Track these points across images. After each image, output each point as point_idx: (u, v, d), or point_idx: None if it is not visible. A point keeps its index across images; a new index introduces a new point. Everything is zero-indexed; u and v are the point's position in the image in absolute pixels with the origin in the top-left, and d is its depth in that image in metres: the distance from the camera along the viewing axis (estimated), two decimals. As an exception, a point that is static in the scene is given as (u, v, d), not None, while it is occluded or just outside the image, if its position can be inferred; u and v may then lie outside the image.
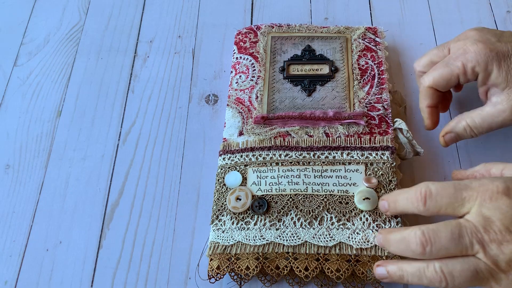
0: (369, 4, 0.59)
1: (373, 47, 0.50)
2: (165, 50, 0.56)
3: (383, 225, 0.39)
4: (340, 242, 0.38)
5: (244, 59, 0.50)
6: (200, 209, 0.45)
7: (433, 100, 0.43)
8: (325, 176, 0.41)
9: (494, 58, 0.39)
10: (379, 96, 0.46)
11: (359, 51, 0.50)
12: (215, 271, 0.38)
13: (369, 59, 0.49)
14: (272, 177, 0.42)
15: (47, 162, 0.49)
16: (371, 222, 0.39)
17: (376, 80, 0.47)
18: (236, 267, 0.38)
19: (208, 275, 0.39)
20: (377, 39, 0.51)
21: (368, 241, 0.38)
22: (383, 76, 0.48)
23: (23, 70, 0.56)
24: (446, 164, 0.46)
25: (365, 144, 0.43)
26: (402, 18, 0.57)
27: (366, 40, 0.51)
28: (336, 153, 0.43)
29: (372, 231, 0.38)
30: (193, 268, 0.42)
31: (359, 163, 0.42)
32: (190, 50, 0.56)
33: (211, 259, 0.39)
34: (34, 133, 0.51)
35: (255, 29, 0.53)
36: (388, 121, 0.44)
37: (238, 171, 0.43)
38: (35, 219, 0.46)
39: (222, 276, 0.39)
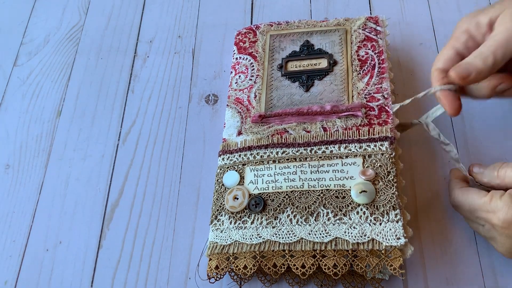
0: (369, 4, 0.59)
1: (374, 37, 0.49)
2: (165, 50, 0.56)
3: (381, 217, 0.38)
4: (336, 238, 0.37)
5: (243, 59, 0.50)
6: (200, 209, 0.45)
7: (439, 82, 0.41)
8: (321, 171, 0.41)
9: (477, 12, 0.40)
10: (379, 86, 0.45)
11: (359, 42, 0.49)
12: (214, 271, 0.38)
13: (369, 49, 0.48)
14: (269, 175, 0.42)
15: (47, 162, 0.49)
16: (369, 215, 0.38)
17: (376, 70, 0.46)
18: (234, 266, 0.38)
19: (208, 275, 0.39)
20: (378, 28, 0.50)
21: (365, 235, 0.37)
22: (384, 65, 0.47)
23: (23, 70, 0.56)
24: (446, 164, 0.46)
25: (363, 136, 0.42)
26: (402, 18, 0.57)
27: (366, 30, 0.50)
28: (334, 147, 0.42)
29: (370, 225, 0.38)
30: (193, 268, 0.42)
31: (356, 155, 0.41)
32: (190, 50, 0.56)
33: (210, 259, 0.39)
34: (34, 133, 0.51)
35: (254, 28, 0.53)
36: (388, 110, 0.43)
37: (236, 170, 0.43)
38: (35, 219, 0.46)
39: (222, 276, 0.39)
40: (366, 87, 0.45)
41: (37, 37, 0.59)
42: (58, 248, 0.44)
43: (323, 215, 0.39)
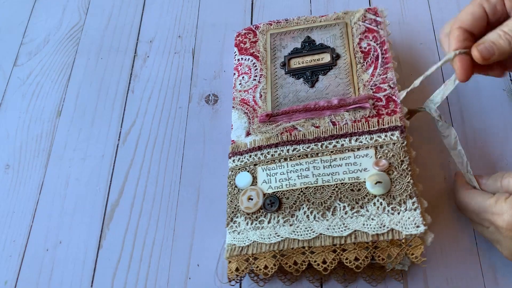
0: (369, 4, 0.59)
1: (374, 28, 0.49)
2: (165, 50, 0.56)
3: (398, 207, 0.37)
4: (355, 231, 0.37)
5: (245, 60, 0.50)
6: (200, 209, 0.45)
7: (461, 43, 0.39)
8: (334, 166, 0.41)
9: None
10: (384, 76, 0.45)
11: (360, 33, 0.49)
12: (235, 273, 0.38)
13: (371, 40, 0.48)
14: (282, 173, 0.41)
15: (47, 162, 0.49)
16: (386, 206, 0.37)
17: (380, 60, 0.46)
18: (254, 267, 0.38)
19: (228, 278, 0.38)
20: (378, 18, 0.49)
21: (384, 226, 0.36)
22: (387, 55, 0.46)
23: (23, 70, 0.56)
24: (446, 164, 0.46)
25: (373, 127, 0.42)
26: (402, 18, 0.57)
27: (366, 22, 0.49)
28: (344, 140, 0.42)
29: (388, 215, 0.37)
30: (193, 268, 0.42)
31: (368, 147, 0.41)
32: (190, 50, 0.56)
33: (230, 262, 0.39)
34: (34, 133, 0.51)
35: (253, 28, 0.53)
36: (396, 99, 0.43)
37: (248, 171, 0.42)
38: (35, 219, 0.46)
39: (242, 278, 0.39)
40: (371, 78, 0.45)
41: (37, 37, 0.59)
42: (58, 248, 0.44)
43: (340, 209, 0.38)
